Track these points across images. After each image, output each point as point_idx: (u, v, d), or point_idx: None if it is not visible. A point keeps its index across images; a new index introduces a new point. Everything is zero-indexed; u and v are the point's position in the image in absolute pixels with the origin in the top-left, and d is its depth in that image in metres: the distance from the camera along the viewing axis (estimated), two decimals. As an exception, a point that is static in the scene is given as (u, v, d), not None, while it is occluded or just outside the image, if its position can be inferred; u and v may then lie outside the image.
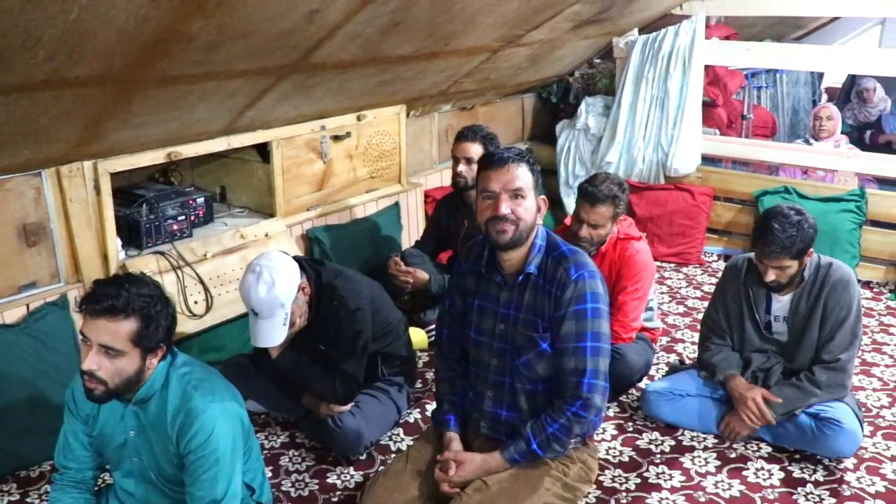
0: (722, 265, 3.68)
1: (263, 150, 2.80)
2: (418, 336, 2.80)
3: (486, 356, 1.75)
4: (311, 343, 2.11)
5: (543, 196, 1.71)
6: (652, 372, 2.66)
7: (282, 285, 1.95)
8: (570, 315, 1.63)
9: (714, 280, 3.44)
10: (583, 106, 4.01)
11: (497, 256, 1.71)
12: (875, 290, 3.45)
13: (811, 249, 2.08)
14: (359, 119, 3.10)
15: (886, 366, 2.77)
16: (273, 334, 1.97)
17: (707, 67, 3.94)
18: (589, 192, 2.42)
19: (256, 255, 2.18)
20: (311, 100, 2.64)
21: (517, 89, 4.06)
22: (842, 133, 4.35)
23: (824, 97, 6.32)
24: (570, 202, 3.97)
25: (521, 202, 1.63)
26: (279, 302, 1.95)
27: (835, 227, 3.42)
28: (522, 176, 1.62)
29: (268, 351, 2.08)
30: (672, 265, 3.75)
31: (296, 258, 2.09)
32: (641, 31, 3.90)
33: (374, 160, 3.25)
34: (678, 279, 3.58)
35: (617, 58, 3.93)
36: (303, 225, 3.01)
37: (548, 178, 3.86)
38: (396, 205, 3.39)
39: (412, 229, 3.48)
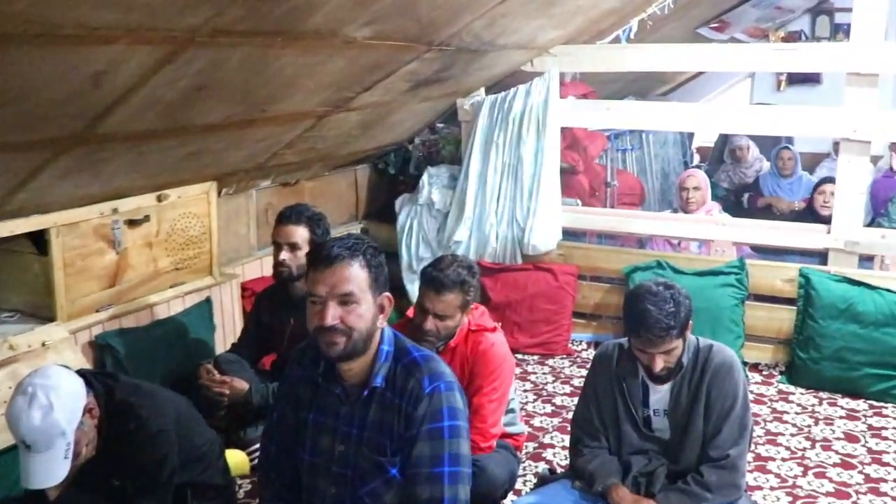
0: (592, 354, 3.43)
1: (40, 240, 2.78)
2: (237, 459, 2.82)
3: (323, 483, 1.76)
4: (101, 478, 2.08)
5: (388, 294, 1.75)
6: (518, 485, 2.75)
7: (62, 408, 1.91)
8: (424, 435, 1.68)
9: (585, 372, 3.02)
10: (425, 177, 4.22)
11: (336, 364, 1.74)
12: (764, 372, 3.72)
13: (690, 323, 2.23)
14: (159, 200, 3.16)
15: (783, 459, 2.95)
16: (51, 471, 1.92)
17: (564, 130, 4.24)
18: (433, 278, 2.52)
19: (30, 370, 2.10)
20: (99, 178, 2.70)
21: (349, 160, 4.22)
22: (718, 197, 4.67)
23: (696, 158, 6.76)
24: (414, 289, 4.09)
25: (354, 308, 1.66)
26: (59, 429, 1.91)
27: (715, 304, 3.67)
28: (354, 277, 1.66)
29: (44, 493, 2.03)
30: (535, 357, 3.95)
31: (80, 372, 2.07)
32: (489, 91, 4.15)
33: (179, 248, 3.30)
34: (543, 373, 3.76)
35: (462, 121, 4.17)
36: (91, 330, 3.00)
37: (388, 263, 3.56)
38: (208, 301, 3.44)
39: (227, 330, 3.52)
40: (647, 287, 2.23)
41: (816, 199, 4.59)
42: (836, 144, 4.51)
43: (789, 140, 5.74)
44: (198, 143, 2.86)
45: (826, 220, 3.98)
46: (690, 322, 2.24)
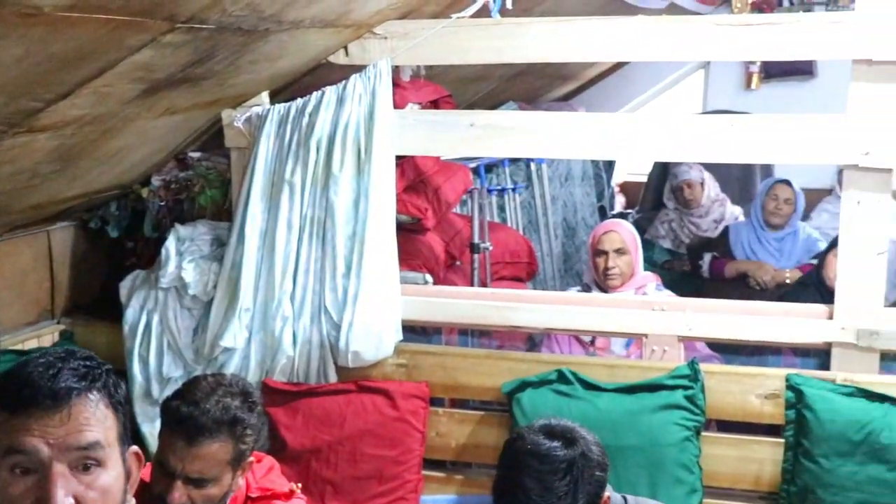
0: (458, 533, 3.70)
1: None
2: None
3: None
4: None
5: (135, 448, 1.76)
6: None
7: None
8: None
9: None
10: (171, 242, 3.98)
11: None
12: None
13: (606, 496, 2.30)
14: None
15: None
16: None
17: (402, 160, 4.09)
18: (184, 417, 2.52)
19: None
20: None
21: (36, 217, 4.04)
22: (655, 265, 4.77)
23: (619, 201, 7.07)
24: (152, 432, 3.87)
25: (98, 476, 1.63)
26: None
27: (653, 440, 3.54)
28: (98, 421, 1.64)
29: None
30: (362, 544, 3.75)
31: None
32: (276, 98, 3.99)
33: None
34: (374, 575, 3.58)
35: (232, 148, 3.98)
36: None
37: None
38: None
39: None
40: (534, 442, 2.26)
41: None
42: (840, 175, 4.58)
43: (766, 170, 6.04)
44: None
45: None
46: (606, 496, 2.34)
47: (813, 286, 4.57)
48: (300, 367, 3.95)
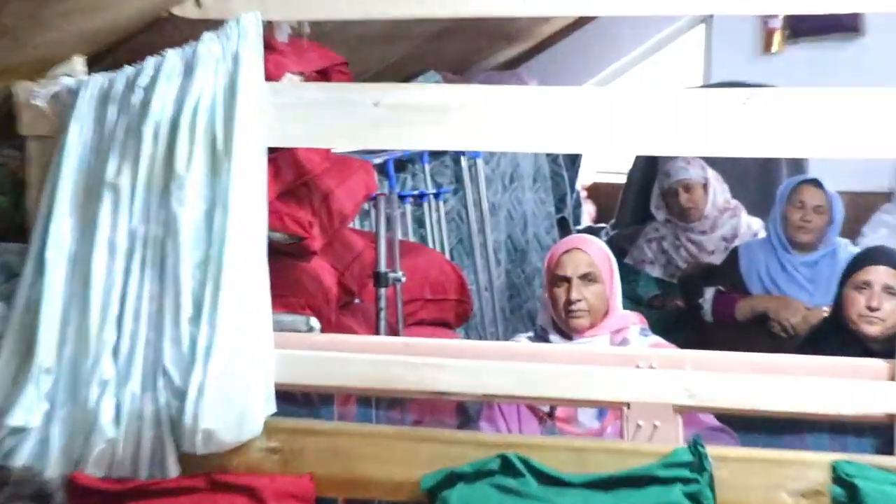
0: None
1: None
2: None
3: None
4: None
5: None
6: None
7: None
8: None
9: None
10: None
11: None
12: None
13: None
14: None
15: None
16: None
17: (277, 153, 4.06)
18: None
19: None
20: None
21: None
22: (638, 302, 4.83)
23: (588, 211, 7.03)
24: None
25: None
26: None
27: None
28: None
29: None
30: None
31: None
32: (94, 65, 3.94)
33: None
34: None
35: (30, 137, 3.93)
36: None
37: None
38: None
39: None
40: None
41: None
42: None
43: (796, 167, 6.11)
44: None
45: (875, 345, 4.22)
46: None
47: (832, 331, 4.76)
48: (126, 454, 3.71)
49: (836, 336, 4.63)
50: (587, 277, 4.40)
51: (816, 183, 5.48)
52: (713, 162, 5.89)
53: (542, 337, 4.55)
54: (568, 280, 4.38)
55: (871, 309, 4.57)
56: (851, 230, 5.70)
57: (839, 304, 4.75)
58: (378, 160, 5.04)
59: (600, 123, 3.94)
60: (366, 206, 5.02)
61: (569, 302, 4.37)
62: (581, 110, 3.95)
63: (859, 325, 4.57)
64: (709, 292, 5.50)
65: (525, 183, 6.39)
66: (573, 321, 4.38)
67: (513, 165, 6.32)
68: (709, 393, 3.79)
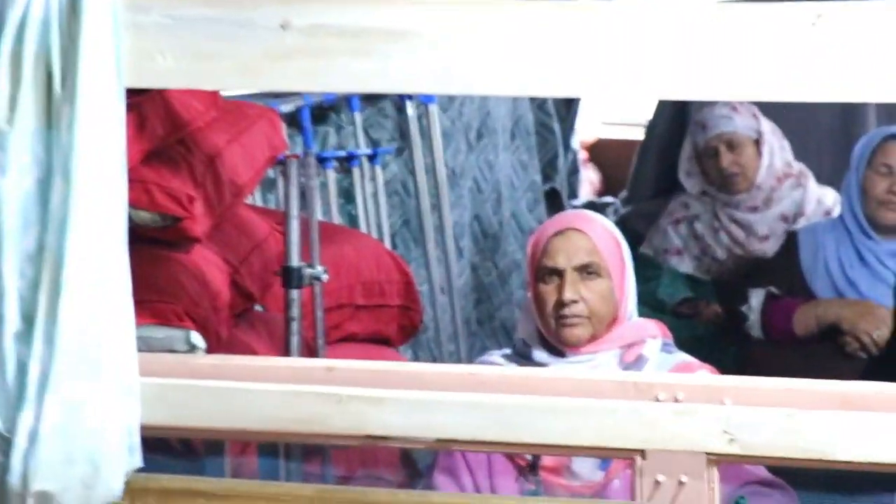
0: None
1: None
2: None
3: None
4: None
5: None
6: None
7: None
8: None
9: None
10: None
11: None
12: None
13: None
14: None
15: None
16: None
17: (141, 100, 4.02)
18: None
19: None
20: None
21: None
22: (660, 311, 4.53)
23: (587, 181, 7.00)
24: None
25: None
26: None
27: None
28: None
29: None
30: None
31: None
32: None
33: None
34: None
35: None
36: None
37: None
38: None
39: None
40: None
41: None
42: None
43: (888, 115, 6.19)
44: None
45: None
46: None
47: None
48: None
49: None
50: (587, 270, 4.31)
51: None
52: (769, 109, 5.82)
53: (522, 355, 4.45)
54: (560, 273, 4.29)
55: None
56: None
57: None
58: (287, 107, 5.08)
59: (607, 53, 3.80)
60: (270, 172, 5.00)
61: (561, 304, 4.27)
62: (580, 34, 3.79)
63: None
64: (757, 296, 5.41)
65: (499, 139, 6.32)
66: (567, 331, 4.28)
67: (481, 114, 6.22)
68: (757, 436, 3.69)
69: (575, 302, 4.27)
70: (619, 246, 4.45)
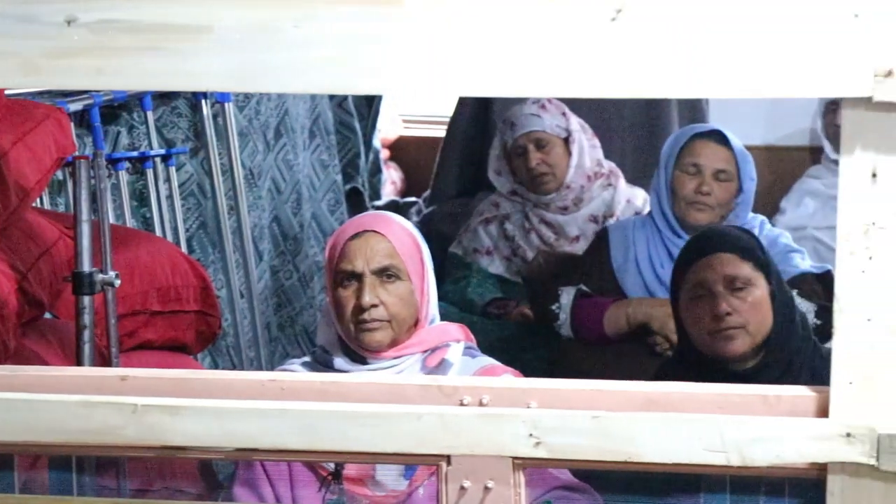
0: None
1: None
2: None
3: None
4: None
5: None
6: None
7: None
8: None
9: None
10: None
11: None
12: None
13: None
14: None
15: None
16: None
17: None
18: None
19: None
20: None
21: None
22: (468, 311, 4.45)
23: (389, 181, 7.31)
24: None
25: None
26: None
27: None
28: None
29: None
30: None
31: None
32: None
33: None
34: None
35: None
36: None
37: None
38: None
39: None
40: None
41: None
42: (826, 119, 4.99)
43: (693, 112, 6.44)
44: None
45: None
46: None
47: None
48: None
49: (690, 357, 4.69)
50: (386, 273, 4.39)
51: (718, 136, 5.47)
52: (578, 107, 5.84)
53: (322, 363, 4.53)
54: (358, 277, 4.37)
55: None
56: (767, 201, 5.66)
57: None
58: (76, 106, 5.01)
59: (407, 48, 3.72)
60: (59, 174, 4.96)
61: (360, 308, 4.34)
62: (381, 29, 3.66)
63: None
64: (567, 294, 5.45)
65: (298, 139, 6.37)
66: (367, 336, 4.35)
67: (279, 113, 6.27)
68: (563, 439, 3.73)
69: (374, 306, 4.36)
70: (419, 248, 4.55)
